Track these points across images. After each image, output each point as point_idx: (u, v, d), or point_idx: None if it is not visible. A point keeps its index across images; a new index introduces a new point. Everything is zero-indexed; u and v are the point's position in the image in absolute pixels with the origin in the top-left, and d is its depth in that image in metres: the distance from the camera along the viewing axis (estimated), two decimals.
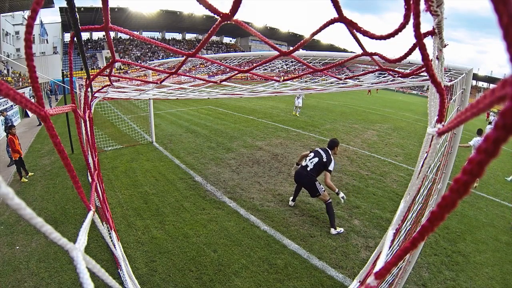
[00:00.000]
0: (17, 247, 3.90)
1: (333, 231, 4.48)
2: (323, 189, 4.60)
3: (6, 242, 4.02)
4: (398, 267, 2.03)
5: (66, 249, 0.59)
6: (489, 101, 0.26)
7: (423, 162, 0.99)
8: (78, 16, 0.93)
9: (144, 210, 4.96)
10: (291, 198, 5.35)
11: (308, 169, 4.66)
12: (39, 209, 4.86)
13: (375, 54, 1.14)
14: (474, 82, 47.32)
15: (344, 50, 51.68)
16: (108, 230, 3.44)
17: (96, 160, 2.83)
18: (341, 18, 0.71)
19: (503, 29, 0.22)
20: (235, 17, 0.72)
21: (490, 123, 16.55)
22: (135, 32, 1.14)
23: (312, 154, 4.79)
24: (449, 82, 2.39)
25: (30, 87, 16.24)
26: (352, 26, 0.73)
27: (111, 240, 3.19)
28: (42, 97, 0.65)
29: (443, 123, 0.82)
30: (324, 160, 4.62)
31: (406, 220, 1.44)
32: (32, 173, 6.37)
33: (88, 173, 5.87)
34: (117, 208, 5.00)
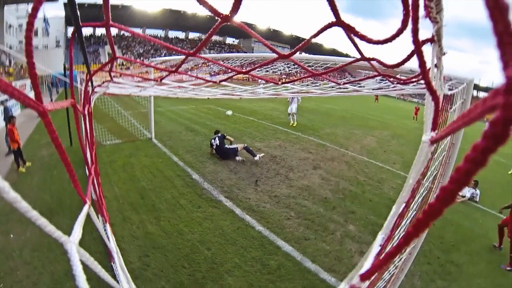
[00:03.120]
0: (11, 236, 3.89)
1: (256, 157, 7.10)
2: (235, 146, 7.45)
3: (0, 230, 4.00)
4: (390, 273, 2.04)
5: (61, 241, 0.59)
6: (480, 110, 0.26)
7: (414, 170, 0.99)
8: (81, 12, 0.93)
9: (140, 205, 4.96)
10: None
11: (218, 143, 7.33)
12: (36, 199, 4.85)
13: (373, 59, 1.14)
14: (475, 93, 47.42)
15: (347, 55, 51.76)
16: (103, 223, 3.43)
17: (94, 154, 2.83)
18: (339, 22, 0.71)
19: (497, 37, 0.22)
20: (236, 19, 0.72)
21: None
22: (139, 29, 1.14)
23: (213, 141, 7.43)
24: (449, 91, 2.40)
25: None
26: (349, 30, 0.73)
27: (105, 233, 3.17)
28: (41, 93, 0.65)
29: (436, 131, 0.83)
30: (220, 134, 7.51)
31: (400, 227, 1.44)
32: (30, 163, 6.35)
33: (86, 166, 5.85)
34: (113, 202, 4.99)
